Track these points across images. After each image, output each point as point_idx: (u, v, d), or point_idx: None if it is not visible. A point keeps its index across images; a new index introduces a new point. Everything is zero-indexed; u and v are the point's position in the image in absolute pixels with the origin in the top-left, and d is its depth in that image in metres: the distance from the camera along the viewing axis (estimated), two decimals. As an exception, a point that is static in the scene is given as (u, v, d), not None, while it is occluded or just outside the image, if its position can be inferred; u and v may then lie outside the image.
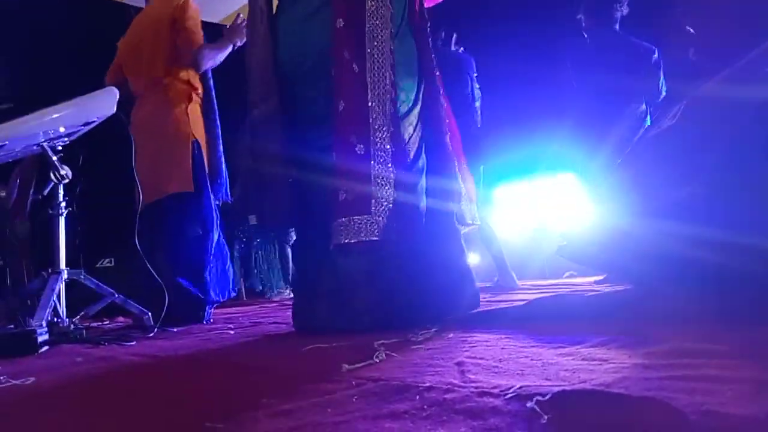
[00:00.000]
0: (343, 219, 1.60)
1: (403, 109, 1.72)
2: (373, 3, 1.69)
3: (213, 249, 2.61)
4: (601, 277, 3.32)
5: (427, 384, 0.78)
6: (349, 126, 1.63)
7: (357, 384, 0.83)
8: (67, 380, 1.14)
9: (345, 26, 1.66)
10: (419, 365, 0.96)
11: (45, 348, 1.70)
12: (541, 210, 5.42)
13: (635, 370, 0.78)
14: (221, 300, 2.72)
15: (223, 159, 2.70)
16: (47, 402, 0.95)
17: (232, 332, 1.99)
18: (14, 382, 1.08)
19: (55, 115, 2.00)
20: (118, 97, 2.10)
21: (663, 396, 0.61)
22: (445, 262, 1.79)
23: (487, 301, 2.59)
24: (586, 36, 3.39)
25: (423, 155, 1.79)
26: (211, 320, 2.57)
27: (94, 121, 2.07)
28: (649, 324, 1.20)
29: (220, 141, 2.70)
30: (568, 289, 2.81)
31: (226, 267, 2.74)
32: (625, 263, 1.99)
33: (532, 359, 0.94)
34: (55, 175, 2.03)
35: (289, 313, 1.89)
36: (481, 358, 0.97)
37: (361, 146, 1.61)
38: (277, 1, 1.93)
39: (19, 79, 4.00)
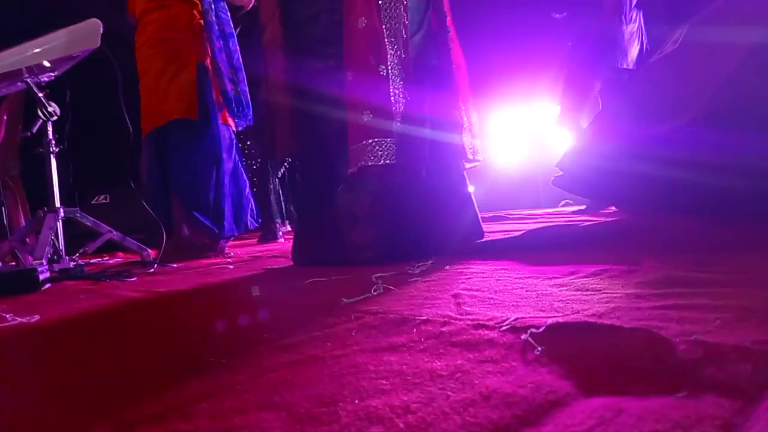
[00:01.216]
0: (369, 141, 1.57)
1: (411, 29, 1.67)
2: None
3: (226, 179, 2.55)
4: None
5: (424, 317, 0.80)
6: (368, 47, 1.57)
7: (356, 318, 0.85)
8: (71, 317, 1.17)
9: None
10: (416, 298, 0.98)
11: (47, 285, 1.73)
12: (536, 138, 5.39)
13: (627, 300, 0.80)
14: (236, 233, 2.70)
15: (239, 82, 2.57)
16: (53, 338, 0.98)
17: (231, 267, 2.02)
18: (20, 319, 1.11)
19: (36, 50, 1.94)
20: (101, 29, 2.02)
21: (653, 326, 0.63)
22: (446, 191, 1.80)
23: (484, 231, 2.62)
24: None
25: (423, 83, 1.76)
26: (227, 252, 2.59)
27: (78, 55, 2.00)
28: (643, 253, 1.22)
29: (232, 64, 2.55)
30: (561, 219, 2.84)
31: (243, 198, 2.68)
32: (620, 190, 2.01)
33: (526, 290, 0.96)
34: (42, 112, 1.99)
35: (288, 246, 1.91)
36: (477, 290, 0.99)
37: (383, 67, 1.57)
38: None
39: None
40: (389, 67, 1.56)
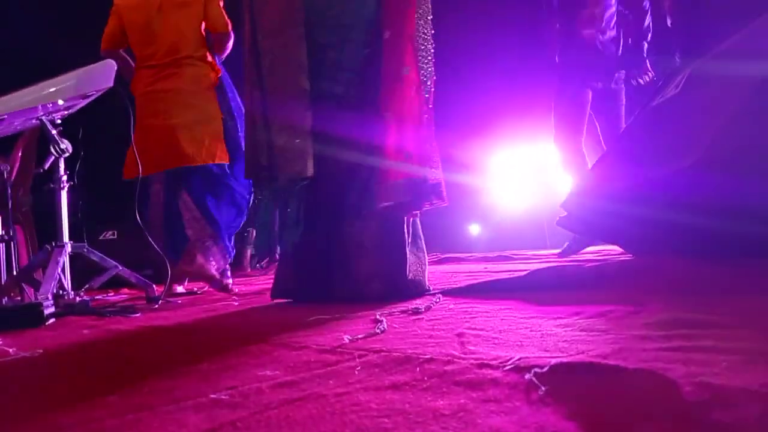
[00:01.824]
0: (402, 180, 1.63)
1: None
2: None
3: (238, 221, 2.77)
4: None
5: (428, 356, 0.80)
6: (413, 94, 1.65)
7: (359, 355, 0.85)
8: (74, 352, 1.16)
9: None
10: (420, 336, 0.98)
11: (52, 320, 1.73)
12: (541, 177, 5.40)
13: (632, 341, 0.79)
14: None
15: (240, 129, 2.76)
16: (56, 373, 0.97)
17: (236, 303, 2.01)
18: (24, 354, 1.10)
19: (53, 89, 1.99)
20: (115, 69, 2.08)
21: (659, 367, 0.62)
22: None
23: (488, 272, 2.62)
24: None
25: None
26: (232, 288, 2.63)
27: (92, 94, 2.05)
28: (647, 294, 1.22)
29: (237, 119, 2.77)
30: (566, 260, 2.83)
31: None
32: (623, 231, 2.01)
33: (531, 330, 0.95)
34: (55, 149, 2.02)
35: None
36: (481, 329, 0.99)
37: (426, 116, 1.64)
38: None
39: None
40: (427, 115, 1.64)
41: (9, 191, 2.46)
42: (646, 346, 0.75)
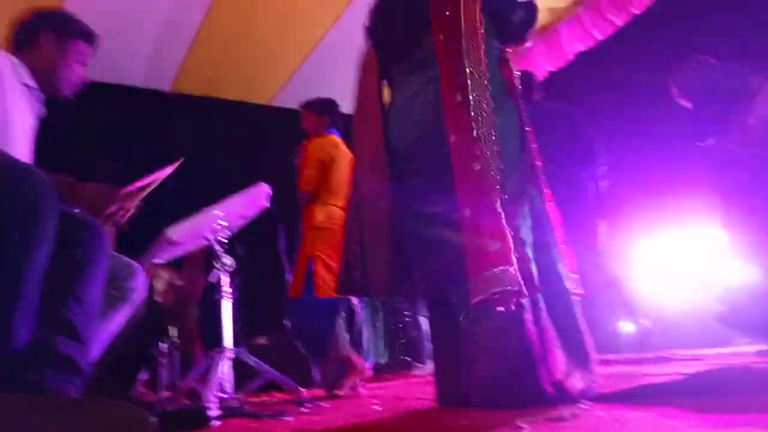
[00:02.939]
0: (494, 270, 1.61)
1: (509, 170, 1.76)
2: (474, 75, 1.75)
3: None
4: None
5: (574, 464, 0.77)
6: (473, 187, 1.69)
7: (502, 463, 0.84)
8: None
9: (460, 101, 1.74)
10: (566, 445, 0.94)
11: (215, 422, 1.88)
12: (695, 267, 4.93)
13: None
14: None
15: None
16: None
17: (379, 409, 2.05)
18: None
19: (218, 212, 2.31)
20: (269, 192, 2.37)
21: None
22: (572, 328, 1.75)
23: (642, 374, 2.40)
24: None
25: (529, 217, 1.81)
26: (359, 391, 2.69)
27: (249, 215, 2.34)
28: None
29: None
30: (729, 361, 2.52)
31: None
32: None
33: (691, 440, 0.88)
34: (220, 264, 2.31)
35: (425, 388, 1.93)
36: (632, 438, 0.93)
37: (495, 205, 1.66)
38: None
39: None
40: (501, 205, 1.64)
41: (181, 303, 2.81)
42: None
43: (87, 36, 1.90)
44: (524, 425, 1.16)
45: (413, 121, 1.88)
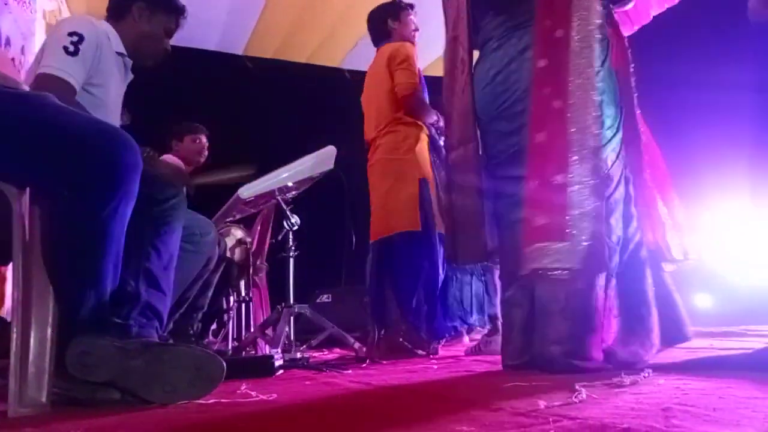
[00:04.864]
0: (541, 244, 1.61)
1: (608, 135, 1.72)
2: (577, 44, 1.71)
3: (438, 285, 2.71)
4: None
5: (626, 425, 0.77)
6: (546, 158, 1.66)
7: (553, 420, 0.85)
8: (300, 399, 1.35)
9: (548, 65, 1.71)
10: (621, 408, 0.94)
11: (280, 371, 1.99)
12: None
13: None
14: (445, 337, 2.82)
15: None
16: (287, 415, 1.14)
17: (435, 367, 2.10)
18: (262, 397, 1.31)
19: (285, 174, 2.38)
20: (335, 154, 2.42)
21: None
22: (639, 294, 1.73)
23: (712, 348, 2.32)
24: None
25: (622, 186, 1.76)
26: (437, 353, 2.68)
27: (316, 176, 2.40)
28: None
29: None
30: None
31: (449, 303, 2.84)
32: None
33: (753, 410, 0.86)
34: (287, 223, 2.39)
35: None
36: (691, 406, 0.92)
37: (559, 177, 1.63)
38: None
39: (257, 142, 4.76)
40: (569, 177, 1.61)
41: (251, 259, 2.94)
42: None
43: (176, 9, 1.98)
44: (581, 388, 1.16)
45: (511, 83, 1.83)
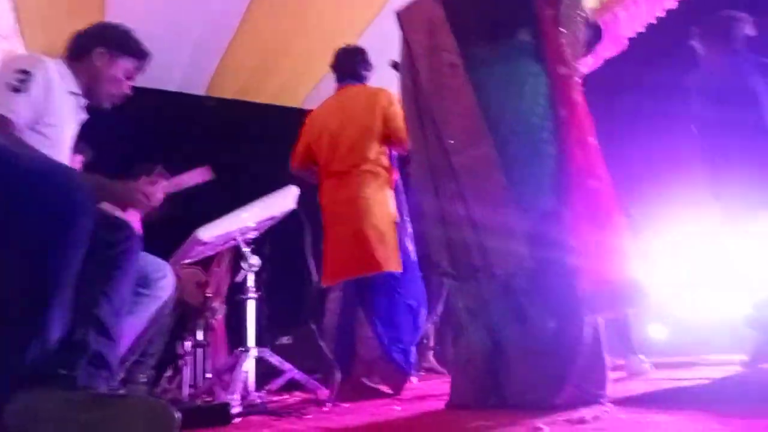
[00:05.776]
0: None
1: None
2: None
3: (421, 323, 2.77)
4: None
5: (589, 465, 0.77)
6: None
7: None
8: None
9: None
10: (583, 446, 0.94)
11: (237, 419, 1.92)
12: (725, 268, 4.75)
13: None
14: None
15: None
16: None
17: (398, 408, 2.06)
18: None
19: (245, 214, 2.35)
20: (297, 194, 2.41)
21: None
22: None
23: (669, 379, 2.37)
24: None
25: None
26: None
27: (277, 216, 2.38)
28: None
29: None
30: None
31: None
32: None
33: (710, 444, 0.87)
34: (245, 265, 2.35)
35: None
36: (651, 441, 0.93)
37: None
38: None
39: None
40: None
41: (208, 302, 2.87)
42: None
43: (138, 54, 1.96)
44: (544, 426, 1.16)
45: (521, 111, 1.81)
